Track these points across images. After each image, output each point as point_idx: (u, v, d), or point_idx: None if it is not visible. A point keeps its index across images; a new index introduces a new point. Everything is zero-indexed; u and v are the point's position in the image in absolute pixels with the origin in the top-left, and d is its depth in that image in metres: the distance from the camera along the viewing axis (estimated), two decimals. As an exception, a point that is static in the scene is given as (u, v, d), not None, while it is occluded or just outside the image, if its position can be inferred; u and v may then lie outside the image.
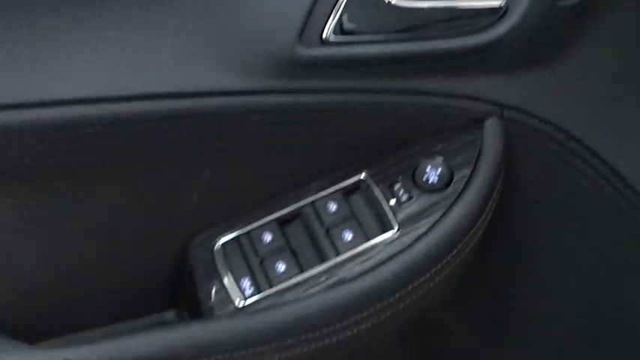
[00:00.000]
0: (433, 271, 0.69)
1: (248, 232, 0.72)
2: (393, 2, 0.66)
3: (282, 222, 0.72)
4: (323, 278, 0.69)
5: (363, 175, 0.72)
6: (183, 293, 0.75)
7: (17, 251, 0.67)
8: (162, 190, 0.69)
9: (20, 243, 0.67)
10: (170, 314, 0.77)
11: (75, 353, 0.62)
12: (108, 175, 0.67)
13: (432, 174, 0.71)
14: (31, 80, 0.63)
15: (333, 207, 0.72)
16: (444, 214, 0.69)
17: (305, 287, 0.68)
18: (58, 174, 0.65)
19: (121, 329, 0.74)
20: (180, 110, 0.65)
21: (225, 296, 0.69)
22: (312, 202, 0.72)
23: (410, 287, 0.68)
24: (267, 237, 0.71)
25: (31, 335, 0.69)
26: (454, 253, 0.70)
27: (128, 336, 0.65)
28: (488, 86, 0.71)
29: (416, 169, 0.72)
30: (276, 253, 0.70)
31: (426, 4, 0.67)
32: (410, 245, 0.69)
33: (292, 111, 0.68)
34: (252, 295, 0.69)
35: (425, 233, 0.69)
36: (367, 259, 0.69)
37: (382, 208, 0.71)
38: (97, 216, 0.68)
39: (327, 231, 0.71)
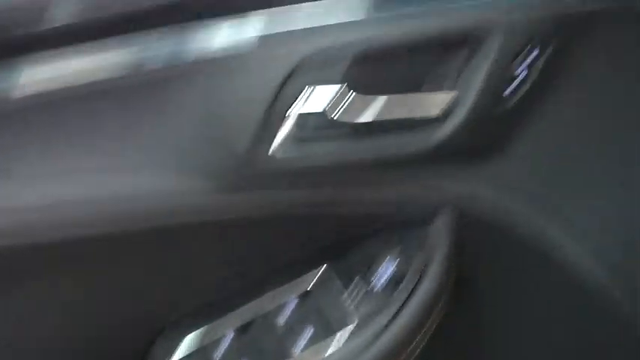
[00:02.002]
0: (390, 366, 0.72)
1: (209, 333, 0.74)
2: (336, 118, 0.68)
3: (243, 322, 0.74)
4: (285, 376, 0.71)
5: (320, 273, 0.75)
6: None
7: None
8: (122, 293, 0.71)
9: None
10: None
11: None
12: (70, 279, 0.69)
13: (386, 271, 0.74)
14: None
15: (292, 304, 0.74)
16: (399, 310, 0.72)
17: (267, 386, 0.71)
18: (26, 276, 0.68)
19: None
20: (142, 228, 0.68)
21: None
22: (272, 300, 0.74)
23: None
24: (228, 338, 0.74)
25: None
26: (410, 348, 0.72)
27: None
28: (436, 185, 0.74)
29: (370, 266, 0.74)
30: (238, 353, 0.73)
31: (368, 118, 0.69)
32: (371, 340, 0.71)
33: (244, 220, 0.70)
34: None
35: (382, 329, 0.71)
36: (330, 355, 0.72)
37: (340, 305, 0.73)
38: (61, 316, 0.71)
39: (288, 328, 0.73)
